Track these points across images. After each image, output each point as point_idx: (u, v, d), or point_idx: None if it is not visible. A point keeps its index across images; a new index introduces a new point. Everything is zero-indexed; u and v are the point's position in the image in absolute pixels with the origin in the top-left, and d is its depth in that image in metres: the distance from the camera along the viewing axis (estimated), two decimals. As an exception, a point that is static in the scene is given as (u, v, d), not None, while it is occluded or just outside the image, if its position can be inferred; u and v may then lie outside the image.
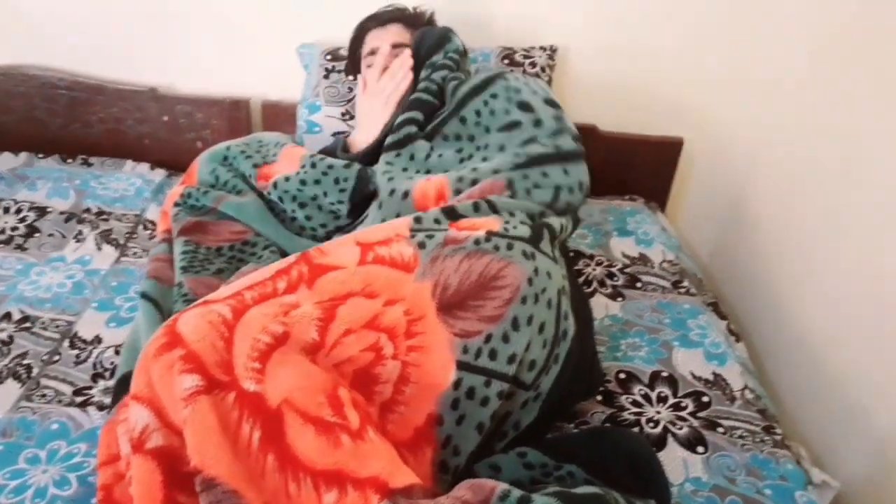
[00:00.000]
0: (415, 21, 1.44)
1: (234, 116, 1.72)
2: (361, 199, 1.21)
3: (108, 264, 1.32)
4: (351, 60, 1.50)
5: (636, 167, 1.74)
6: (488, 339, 0.85)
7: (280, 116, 1.71)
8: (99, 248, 1.37)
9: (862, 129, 1.30)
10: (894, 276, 1.17)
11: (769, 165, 1.66)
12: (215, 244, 1.20)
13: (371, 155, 1.25)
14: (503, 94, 1.14)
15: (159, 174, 1.66)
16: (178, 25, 1.69)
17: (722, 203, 1.83)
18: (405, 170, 1.16)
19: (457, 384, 0.83)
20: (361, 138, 1.30)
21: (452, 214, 0.97)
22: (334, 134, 1.54)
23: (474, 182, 1.06)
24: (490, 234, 0.91)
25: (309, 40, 1.65)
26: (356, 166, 1.23)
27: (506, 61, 1.59)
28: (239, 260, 1.19)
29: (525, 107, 1.12)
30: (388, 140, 1.21)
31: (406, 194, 1.08)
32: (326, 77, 1.57)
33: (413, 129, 1.20)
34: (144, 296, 1.09)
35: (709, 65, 1.68)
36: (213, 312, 0.79)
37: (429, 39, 1.33)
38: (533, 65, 1.59)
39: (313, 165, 1.24)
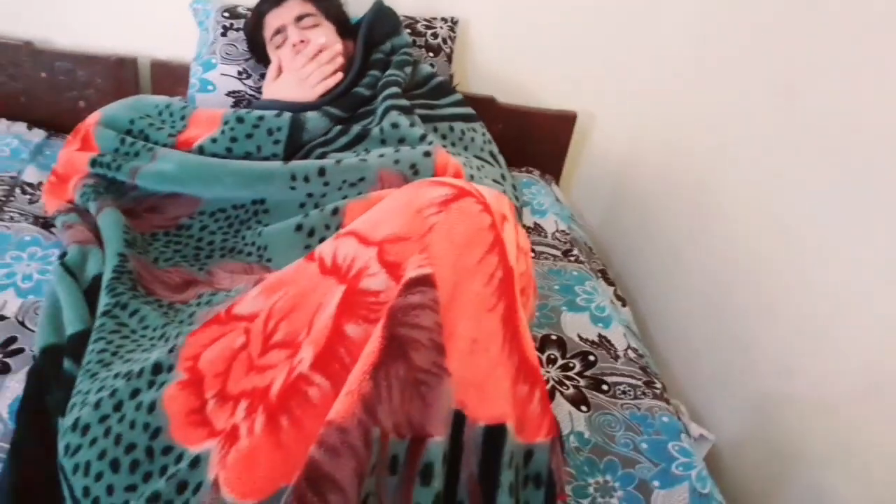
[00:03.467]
0: None
1: (120, 76, 1.62)
2: (294, 151, 1.20)
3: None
4: (254, 49, 1.45)
5: (533, 139, 1.78)
6: None
7: (170, 77, 1.63)
8: (-31, 213, 1.27)
9: (733, 116, 1.40)
10: (765, 239, 1.27)
11: (652, 141, 1.75)
12: (149, 230, 1.16)
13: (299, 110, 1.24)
14: (480, 137, 1.34)
15: (38, 135, 1.55)
16: (56, -26, 1.58)
17: (612, 176, 1.91)
18: (413, 125, 1.21)
19: None
20: (289, 95, 1.29)
21: None
22: (229, 93, 1.49)
23: None
24: None
25: (202, -3, 1.59)
26: (287, 114, 1.21)
27: (408, 31, 1.58)
28: (176, 242, 1.15)
29: (494, 158, 1.33)
30: (393, 91, 1.27)
31: (428, 154, 1.10)
32: (224, 35, 1.51)
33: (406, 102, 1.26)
34: (64, 265, 1.02)
35: (602, 43, 1.74)
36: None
37: (383, 24, 1.40)
38: (435, 35, 1.59)
39: (240, 120, 1.20)
